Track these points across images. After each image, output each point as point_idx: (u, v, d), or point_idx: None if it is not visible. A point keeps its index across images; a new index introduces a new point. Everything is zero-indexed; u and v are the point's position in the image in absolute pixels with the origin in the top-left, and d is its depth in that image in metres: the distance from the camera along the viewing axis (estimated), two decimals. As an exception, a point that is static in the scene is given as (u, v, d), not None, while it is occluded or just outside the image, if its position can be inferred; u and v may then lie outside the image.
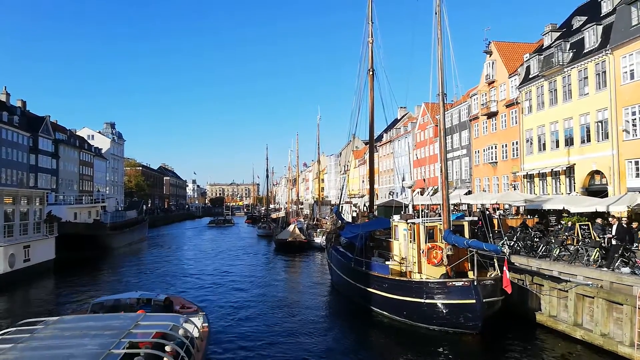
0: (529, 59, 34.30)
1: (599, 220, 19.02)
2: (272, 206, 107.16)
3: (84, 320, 10.47)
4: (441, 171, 18.69)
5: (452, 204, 25.10)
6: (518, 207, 32.05)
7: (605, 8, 28.24)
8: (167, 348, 8.95)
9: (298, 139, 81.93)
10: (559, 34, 33.37)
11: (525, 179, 34.53)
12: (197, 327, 11.75)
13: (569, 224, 20.91)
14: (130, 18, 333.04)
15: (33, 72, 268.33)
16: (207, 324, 13.04)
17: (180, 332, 10.12)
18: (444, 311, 15.35)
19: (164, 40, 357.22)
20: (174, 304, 14.13)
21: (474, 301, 14.67)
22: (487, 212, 27.73)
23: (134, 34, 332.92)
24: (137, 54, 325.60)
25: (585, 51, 27.88)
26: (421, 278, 16.91)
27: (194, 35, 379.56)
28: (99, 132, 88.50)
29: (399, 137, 65.11)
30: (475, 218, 22.73)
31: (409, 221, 18.73)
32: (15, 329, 9.33)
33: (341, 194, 37.37)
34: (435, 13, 17.82)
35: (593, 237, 18.39)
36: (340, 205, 35.84)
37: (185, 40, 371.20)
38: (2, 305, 22.25)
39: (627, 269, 14.41)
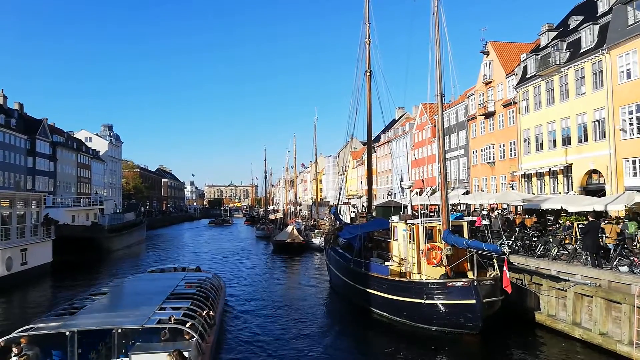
0: (526, 59, 34.36)
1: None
2: (270, 207, 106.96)
3: (153, 275, 19.03)
4: (440, 171, 18.70)
5: (450, 204, 25.10)
6: (516, 207, 32.10)
7: (602, 8, 28.34)
8: (207, 287, 15.85)
9: (296, 140, 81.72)
10: (555, 33, 33.45)
11: (523, 179, 34.57)
12: (220, 282, 19.41)
13: (567, 223, 20.93)
14: (126, 19, 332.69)
15: (30, 73, 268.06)
16: (223, 283, 20.92)
17: (211, 281, 17.47)
18: (444, 311, 15.34)
19: (162, 41, 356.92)
20: (201, 271, 21.17)
21: (473, 301, 14.67)
22: (496, 214, 27.69)
23: (131, 34, 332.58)
24: (134, 55, 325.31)
25: (582, 51, 27.95)
26: (421, 279, 16.92)
27: (192, 35, 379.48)
28: (97, 135, 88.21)
29: (397, 138, 65.16)
30: (474, 218, 22.71)
31: (408, 222, 18.73)
32: (111, 281, 18.95)
33: (339, 195, 37.32)
34: (433, 13, 17.87)
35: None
36: (339, 206, 35.81)
37: (182, 41, 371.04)
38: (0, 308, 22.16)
39: (625, 268, 14.43)
